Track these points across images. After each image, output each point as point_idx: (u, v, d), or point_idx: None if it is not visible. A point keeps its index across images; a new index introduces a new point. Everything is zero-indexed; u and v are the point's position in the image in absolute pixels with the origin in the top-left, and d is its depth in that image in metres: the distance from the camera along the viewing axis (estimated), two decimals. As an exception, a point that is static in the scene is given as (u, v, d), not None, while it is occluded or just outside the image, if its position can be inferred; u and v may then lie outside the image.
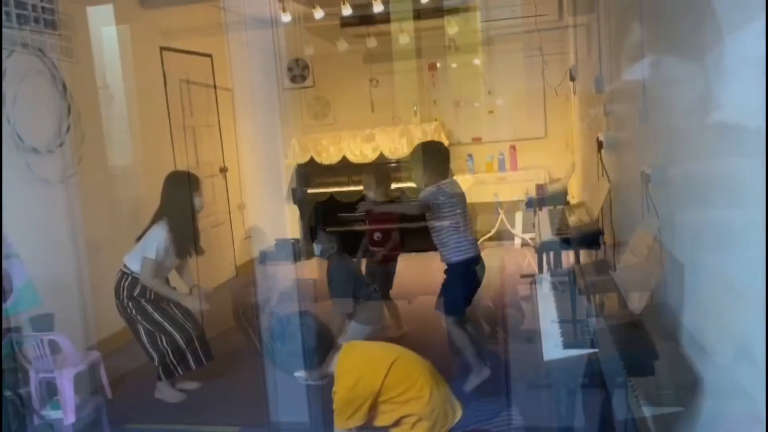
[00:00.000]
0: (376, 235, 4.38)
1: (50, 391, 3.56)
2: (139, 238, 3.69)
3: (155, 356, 3.65)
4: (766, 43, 1.16)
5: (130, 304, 3.63)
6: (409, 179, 6.50)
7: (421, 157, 3.44)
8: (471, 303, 3.54)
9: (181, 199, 3.63)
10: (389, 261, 4.43)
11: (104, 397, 3.68)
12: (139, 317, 3.63)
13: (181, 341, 3.65)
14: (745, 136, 1.32)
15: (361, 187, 4.63)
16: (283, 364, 2.44)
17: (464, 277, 3.42)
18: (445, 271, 3.50)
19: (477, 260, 3.47)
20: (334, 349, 2.39)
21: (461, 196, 3.47)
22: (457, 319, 3.42)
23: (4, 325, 3.39)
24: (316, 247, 4.08)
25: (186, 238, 3.66)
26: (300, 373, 2.38)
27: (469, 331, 3.51)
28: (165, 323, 3.66)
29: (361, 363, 2.36)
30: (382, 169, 6.24)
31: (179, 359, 3.68)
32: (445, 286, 3.49)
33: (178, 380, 3.80)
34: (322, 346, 2.36)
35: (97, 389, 3.69)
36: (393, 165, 6.58)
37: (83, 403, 3.58)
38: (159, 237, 3.59)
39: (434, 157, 3.48)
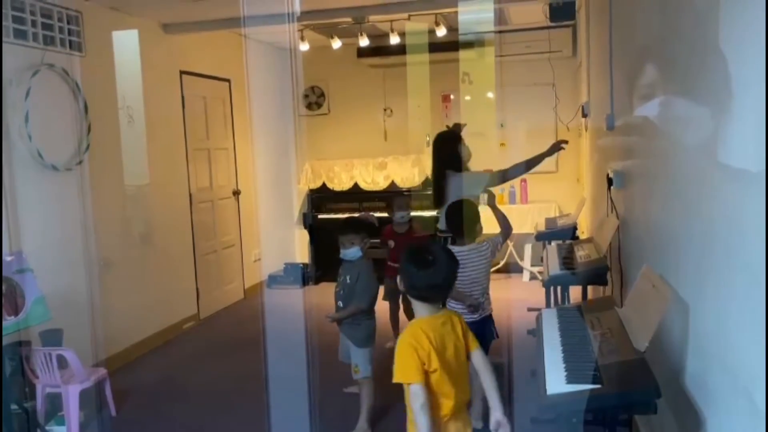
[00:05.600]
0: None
1: (55, 406, 3.58)
2: (438, 203, 4.02)
3: None
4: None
5: None
6: (420, 208, 6.55)
7: (463, 214, 3.27)
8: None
9: (455, 152, 4.04)
10: None
11: (108, 414, 3.70)
12: None
13: None
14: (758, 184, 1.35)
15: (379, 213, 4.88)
16: None
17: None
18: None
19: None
20: None
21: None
22: None
23: (14, 339, 3.43)
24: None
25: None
26: None
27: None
28: None
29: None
30: (406, 196, 6.38)
31: None
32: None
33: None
34: None
35: (102, 406, 3.71)
36: (407, 194, 6.63)
37: (87, 419, 3.59)
38: (474, 178, 4.04)
39: (475, 216, 3.36)
